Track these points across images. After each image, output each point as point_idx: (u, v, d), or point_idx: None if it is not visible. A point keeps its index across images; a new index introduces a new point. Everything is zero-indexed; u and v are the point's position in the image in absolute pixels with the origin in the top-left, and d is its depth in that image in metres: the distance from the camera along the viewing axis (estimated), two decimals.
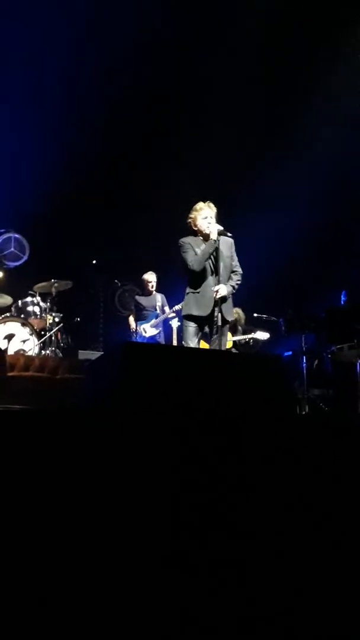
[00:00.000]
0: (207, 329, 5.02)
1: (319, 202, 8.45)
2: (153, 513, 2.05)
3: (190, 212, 5.14)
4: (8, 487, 1.93)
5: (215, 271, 4.92)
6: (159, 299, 7.73)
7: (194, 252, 4.97)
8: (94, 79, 7.74)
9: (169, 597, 1.97)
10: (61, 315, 7.29)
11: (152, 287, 7.76)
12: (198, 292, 4.97)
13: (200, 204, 5.11)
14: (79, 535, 1.95)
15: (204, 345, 5.24)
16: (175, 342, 7.17)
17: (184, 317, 5.12)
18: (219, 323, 4.83)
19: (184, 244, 5.04)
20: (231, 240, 5.09)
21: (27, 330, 6.60)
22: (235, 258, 5.14)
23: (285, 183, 8.35)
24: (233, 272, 5.09)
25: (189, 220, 5.12)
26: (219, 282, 4.89)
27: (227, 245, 5.05)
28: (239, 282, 5.11)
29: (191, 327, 4.97)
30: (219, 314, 4.83)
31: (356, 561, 2.29)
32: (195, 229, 5.09)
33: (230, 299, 5.09)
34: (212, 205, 5.10)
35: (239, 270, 5.14)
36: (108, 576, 1.93)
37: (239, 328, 7.79)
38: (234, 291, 5.09)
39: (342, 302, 7.41)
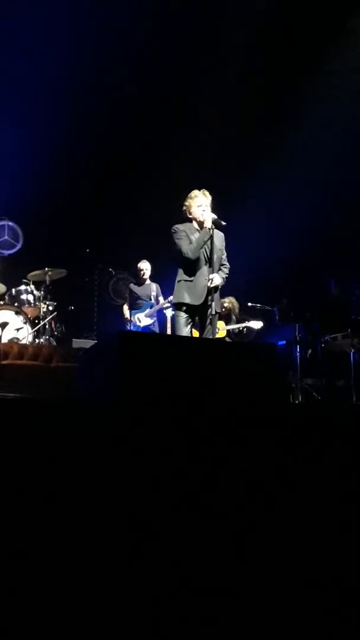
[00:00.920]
0: (197, 319, 5.02)
1: (315, 192, 8.45)
2: (149, 504, 2.06)
3: (185, 200, 5.12)
4: (1, 476, 1.93)
5: (210, 260, 4.91)
6: (153, 288, 7.71)
7: (189, 239, 4.96)
8: (91, 72, 7.70)
9: (168, 593, 1.98)
10: (55, 303, 7.27)
11: (145, 275, 7.74)
12: (191, 281, 4.95)
13: (195, 192, 5.09)
14: (71, 525, 1.95)
15: (195, 334, 5.24)
16: (169, 332, 7.17)
17: (175, 306, 5.10)
18: (213, 312, 4.82)
19: (178, 230, 5.01)
20: (222, 234, 5.09)
21: (20, 318, 6.58)
22: (225, 252, 5.14)
23: (281, 172, 8.34)
24: (222, 265, 5.09)
25: (184, 207, 5.11)
26: (212, 272, 4.88)
27: (219, 238, 5.05)
28: (227, 276, 5.12)
29: (182, 317, 4.95)
30: (212, 303, 4.83)
31: (351, 550, 2.31)
32: (190, 216, 5.08)
33: (218, 291, 5.09)
34: (207, 193, 5.09)
35: (227, 264, 5.15)
36: (104, 569, 1.94)
37: (233, 317, 7.79)
38: (223, 283, 5.10)
39: (331, 291, 7.45)
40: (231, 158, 8.48)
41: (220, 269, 5.03)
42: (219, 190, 5.26)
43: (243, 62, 7.81)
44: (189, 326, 4.99)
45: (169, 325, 7.27)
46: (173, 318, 6.93)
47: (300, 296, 7.73)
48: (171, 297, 7.11)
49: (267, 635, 2.05)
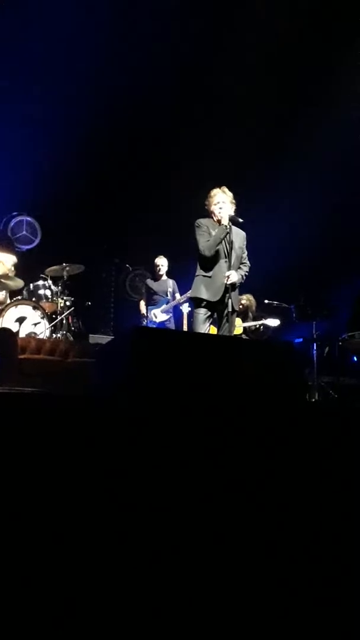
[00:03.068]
0: (215, 315, 5.01)
1: (333, 189, 8.39)
2: (161, 500, 2.06)
3: (206, 199, 5.13)
4: (17, 469, 1.94)
5: (228, 257, 4.90)
6: (170, 284, 7.71)
7: (209, 235, 4.96)
8: (112, 68, 7.73)
9: (171, 593, 1.98)
10: (72, 299, 7.30)
11: (161, 271, 7.74)
12: (209, 277, 4.95)
13: (215, 190, 5.09)
14: (83, 523, 1.96)
15: (213, 330, 5.23)
16: (185, 328, 7.16)
17: (193, 301, 5.10)
18: (230, 309, 4.81)
19: (201, 225, 5.02)
20: (243, 233, 5.08)
21: (38, 313, 6.62)
22: (245, 251, 5.13)
23: (300, 170, 8.29)
24: (242, 263, 5.08)
25: (205, 206, 5.12)
26: (230, 268, 4.87)
27: (239, 237, 5.04)
28: (247, 274, 5.10)
29: (201, 314, 4.94)
30: (230, 300, 4.82)
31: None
32: (211, 215, 5.09)
33: (237, 289, 5.08)
34: (226, 190, 5.08)
35: (248, 263, 5.14)
36: (107, 569, 1.94)
37: (250, 314, 7.77)
38: (242, 281, 5.08)
39: None
40: (249, 154, 8.44)
41: (239, 267, 5.02)
42: (236, 187, 5.24)
43: (258, 55, 7.79)
44: (208, 323, 4.98)
45: (184, 321, 7.27)
46: (190, 314, 6.95)
47: (318, 294, 7.67)
48: (188, 293, 7.15)
49: (267, 635, 2.04)
